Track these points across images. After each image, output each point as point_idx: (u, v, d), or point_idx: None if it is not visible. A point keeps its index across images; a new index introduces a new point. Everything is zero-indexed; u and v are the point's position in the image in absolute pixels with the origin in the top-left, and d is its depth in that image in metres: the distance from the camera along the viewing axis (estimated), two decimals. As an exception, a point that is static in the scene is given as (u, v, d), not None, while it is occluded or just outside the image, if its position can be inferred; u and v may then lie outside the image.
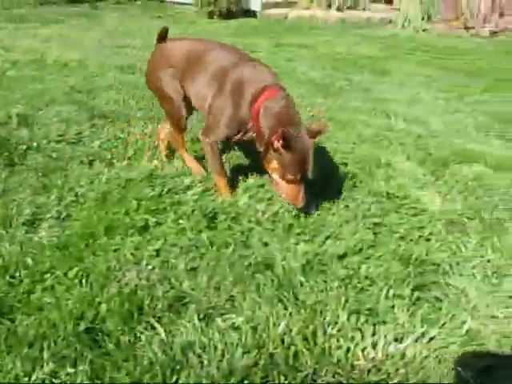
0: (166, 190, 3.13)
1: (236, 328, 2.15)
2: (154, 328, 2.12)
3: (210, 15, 10.56)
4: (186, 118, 3.41)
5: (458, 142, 4.50)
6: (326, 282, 2.42)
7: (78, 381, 1.87)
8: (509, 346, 2.24)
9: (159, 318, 2.18)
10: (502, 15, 11.63)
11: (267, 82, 2.99)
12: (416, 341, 2.20)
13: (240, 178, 3.37)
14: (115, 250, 2.54)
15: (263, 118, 2.90)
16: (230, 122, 3.04)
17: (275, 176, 2.90)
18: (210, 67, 3.18)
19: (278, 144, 2.75)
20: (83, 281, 2.32)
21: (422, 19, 11.36)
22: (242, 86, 3.00)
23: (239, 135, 3.10)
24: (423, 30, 11.14)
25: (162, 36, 3.44)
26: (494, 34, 10.94)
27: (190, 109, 3.44)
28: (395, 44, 9.43)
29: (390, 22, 11.64)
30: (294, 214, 2.99)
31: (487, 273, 2.67)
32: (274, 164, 2.85)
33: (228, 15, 10.57)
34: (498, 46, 10.03)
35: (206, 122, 3.15)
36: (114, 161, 3.53)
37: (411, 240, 2.91)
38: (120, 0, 12.66)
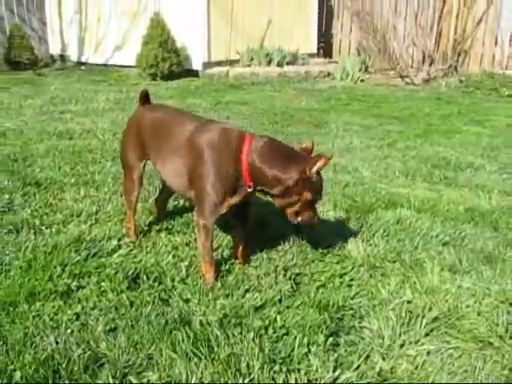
0: (91, 253, 3.18)
1: (151, 386, 2.20)
2: (69, 392, 2.16)
3: (153, 77, 10.75)
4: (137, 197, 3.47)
5: (385, 187, 4.68)
6: (241, 333, 2.49)
7: None
8: (418, 381, 2.33)
9: (75, 380, 2.21)
10: (431, 64, 12.16)
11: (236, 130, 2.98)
12: (330, 385, 2.28)
13: (166, 237, 3.46)
14: (35, 317, 2.57)
15: (264, 163, 2.82)
16: (221, 186, 2.85)
17: (297, 206, 2.89)
18: (174, 139, 3.08)
19: (312, 172, 2.77)
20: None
21: (360, 70, 11.80)
22: (219, 144, 2.89)
23: (236, 198, 2.93)
24: (361, 81, 11.57)
25: (143, 97, 3.41)
26: (426, 81, 11.43)
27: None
28: (333, 96, 9.74)
29: (329, 74, 12.06)
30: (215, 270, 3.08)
31: (402, 314, 2.77)
32: (307, 195, 2.85)
33: (170, 76, 10.79)
34: (430, 93, 10.47)
35: (196, 202, 2.96)
36: (43, 227, 3.57)
37: (332, 287, 3.02)
38: (65, 66, 12.83)
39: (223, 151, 2.87)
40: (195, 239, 3.42)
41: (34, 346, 2.37)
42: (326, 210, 4.05)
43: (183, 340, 2.43)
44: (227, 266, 3.16)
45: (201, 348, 2.38)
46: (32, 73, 11.59)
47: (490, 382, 2.34)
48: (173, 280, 2.96)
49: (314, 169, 2.77)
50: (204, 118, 3.27)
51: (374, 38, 12.80)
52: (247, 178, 2.86)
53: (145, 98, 3.42)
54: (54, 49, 13.32)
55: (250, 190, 2.89)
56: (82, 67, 12.75)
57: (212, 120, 3.30)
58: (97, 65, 12.55)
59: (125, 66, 11.83)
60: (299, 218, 2.95)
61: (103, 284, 2.86)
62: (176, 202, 4.08)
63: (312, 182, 2.83)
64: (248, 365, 2.30)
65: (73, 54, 13.13)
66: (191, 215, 3.79)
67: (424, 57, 12.28)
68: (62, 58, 13.23)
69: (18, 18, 12.45)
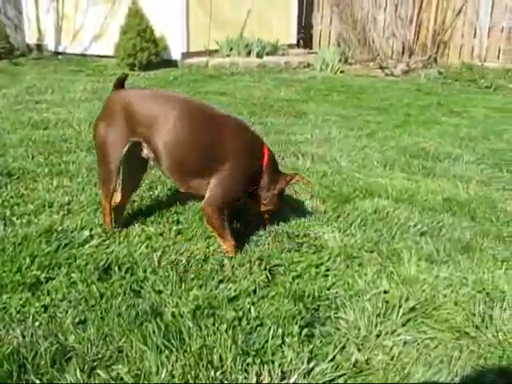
0: (62, 244, 3.11)
1: (120, 378, 2.13)
2: (35, 386, 2.09)
3: (131, 67, 10.61)
4: (120, 186, 3.38)
5: (362, 177, 4.64)
6: (214, 325, 2.44)
7: None
8: (394, 373, 2.30)
9: (42, 374, 2.14)
10: (411, 55, 12.18)
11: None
12: (304, 377, 2.24)
13: (140, 227, 3.40)
14: (0, 309, 2.49)
15: (274, 170, 3.33)
16: (244, 184, 3.20)
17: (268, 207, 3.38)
18: (199, 128, 3.08)
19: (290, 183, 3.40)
20: (-39, 343, 2.27)
21: (339, 61, 11.76)
22: (253, 142, 3.26)
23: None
24: (341, 72, 11.53)
25: (121, 82, 3.24)
26: (405, 72, 11.43)
27: (138, 176, 3.44)
28: (312, 86, 9.69)
29: (309, 65, 12.01)
30: (189, 260, 3.02)
31: (379, 304, 2.74)
32: (276, 199, 3.36)
33: (149, 66, 10.65)
34: (409, 84, 10.47)
35: (211, 189, 3.06)
36: (14, 218, 3.48)
37: (308, 277, 2.97)
38: (42, 55, 12.64)
39: (255, 152, 3.23)
40: (169, 229, 3.37)
41: (-1, 339, 2.31)
42: (303, 200, 4.01)
43: (154, 332, 2.37)
44: (202, 257, 3.09)
45: (172, 340, 2.33)
46: (7, 62, 11.39)
47: (466, 371, 2.32)
48: (145, 271, 2.89)
49: (293, 181, 3.39)
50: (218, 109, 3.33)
51: (353, 29, 12.77)
52: (259, 180, 3.25)
53: (123, 82, 3.27)
54: (31, 38, 13.09)
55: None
56: (60, 57, 12.55)
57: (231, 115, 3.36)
58: (74, 54, 12.36)
59: (103, 56, 11.67)
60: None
61: (73, 275, 2.79)
62: (151, 193, 4.00)
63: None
64: (220, 357, 2.26)
65: (50, 44, 12.91)
66: (166, 205, 3.73)
67: (404, 48, 12.28)
68: (39, 47, 13.01)
69: (-7, 7, 12.24)
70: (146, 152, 3.16)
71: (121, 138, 3.12)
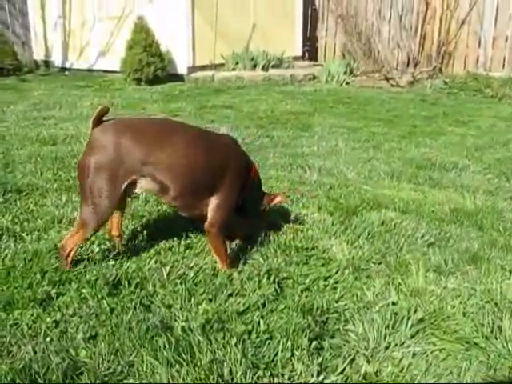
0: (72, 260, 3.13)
1: (131, 393, 2.15)
2: (47, 402, 2.11)
3: (138, 82, 10.70)
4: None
5: (370, 189, 4.66)
6: (224, 339, 2.45)
7: None
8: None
9: (54, 390, 2.16)
10: (416, 66, 12.22)
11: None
12: (314, 389, 2.25)
13: (149, 242, 3.42)
14: (12, 325, 2.52)
15: (258, 187, 3.46)
16: (237, 199, 3.22)
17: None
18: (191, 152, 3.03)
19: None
20: (-26, 359, 2.30)
21: (345, 73, 11.80)
22: (243, 161, 3.30)
23: None
24: (346, 84, 11.57)
25: (101, 116, 2.97)
26: (411, 83, 11.46)
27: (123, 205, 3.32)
28: (318, 98, 9.73)
29: (314, 77, 12.05)
30: (198, 275, 3.04)
31: (387, 316, 2.75)
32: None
33: (155, 81, 10.73)
34: (415, 95, 10.49)
35: (214, 210, 3.07)
36: (24, 234, 3.52)
37: (316, 290, 2.99)
38: (49, 71, 12.76)
39: (245, 168, 3.28)
40: (178, 243, 3.39)
41: (10, 355, 2.32)
42: (311, 213, 4.03)
43: (165, 346, 2.39)
44: (211, 271, 3.12)
45: (183, 354, 2.34)
46: (15, 79, 11.52)
47: (475, 383, 2.32)
48: (154, 285, 2.91)
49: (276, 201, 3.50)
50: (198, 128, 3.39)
51: (358, 41, 12.81)
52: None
53: (102, 116, 2.99)
54: (38, 54, 13.24)
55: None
56: (66, 73, 12.68)
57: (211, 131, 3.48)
58: (81, 70, 12.48)
59: (109, 71, 11.78)
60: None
61: (83, 291, 2.81)
62: (159, 207, 4.03)
63: None
64: (231, 370, 2.27)
65: (57, 60, 13.05)
66: (174, 219, 3.75)
67: (409, 59, 12.32)
68: (46, 63, 13.15)
69: (1, 24, 12.36)
70: (144, 187, 3.01)
71: (119, 178, 2.89)
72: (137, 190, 3.01)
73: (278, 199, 3.47)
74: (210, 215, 3.08)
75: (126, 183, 2.90)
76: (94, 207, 2.91)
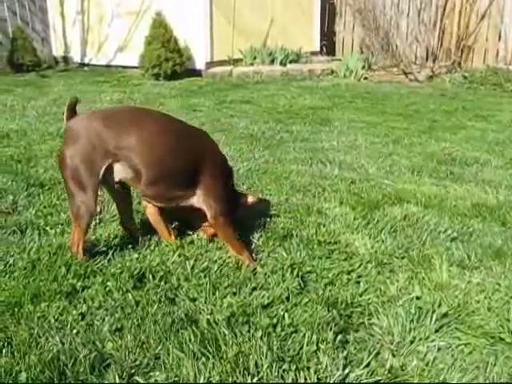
0: (96, 253, 3.16)
1: (158, 385, 2.17)
2: (75, 393, 2.13)
3: (156, 77, 10.74)
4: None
5: (390, 183, 4.64)
6: (249, 332, 2.46)
7: None
8: (430, 379, 2.30)
9: (81, 381, 2.18)
10: (435, 60, 12.14)
11: None
12: (340, 383, 2.25)
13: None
14: (40, 317, 2.54)
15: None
16: (225, 188, 3.27)
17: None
18: (180, 146, 3.09)
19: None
20: (3, 350, 2.31)
21: (363, 68, 11.76)
22: (219, 152, 3.36)
23: None
24: (364, 78, 11.53)
25: (73, 107, 3.01)
26: (430, 78, 11.39)
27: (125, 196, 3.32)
28: (336, 93, 9.71)
29: (332, 72, 12.02)
30: (222, 268, 3.05)
31: (411, 310, 2.74)
32: None
33: (174, 76, 10.77)
34: (434, 89, 10.42)
35: (208, 203, 3.14)
36: (48, 228, 3.55)
37: (340, 284, 2.98)
38: (68, 67, 12.85)
39: (223, 159, 3.38)
40: (201, 237, 3.41)
41: (39, 346, 2.34)
42: (333, 207, 4.02)
43: (190, 339, 2.40)
44: (235, 265, 3.12)
45: (208, 347, 2.35)
46: (35, 75, 11.61)
47: (502, 378, 2.31)
48: (179, 279, 2.93)
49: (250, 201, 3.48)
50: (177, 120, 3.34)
51: (376, 36, 12.74)
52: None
53: (74, 107, 3.02)
54: (57, 50, 13.35)
55: None
56: (85, 68, 12.76)
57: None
58: (99, 66, 12.56)
59: (128, 67, 11.83)
60: None
61: (108, 284, 2.83)
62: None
63: None
64: (256, 363, 2.27)
65: (76, 56, 13.14)
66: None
67: (427, 53, 12.25)
68: (65, 59, 13.25)
69: (21, 21, 12.46)
70: (120, 174, 3.01)
71: (96, 163, 2.91)
72: (115, 177, 3.01)
73: (250, 200, 3.44)
74: (207, 211, 3.15)
75: (103, 168, 2.93)
76: (80, 198, 2.94)
